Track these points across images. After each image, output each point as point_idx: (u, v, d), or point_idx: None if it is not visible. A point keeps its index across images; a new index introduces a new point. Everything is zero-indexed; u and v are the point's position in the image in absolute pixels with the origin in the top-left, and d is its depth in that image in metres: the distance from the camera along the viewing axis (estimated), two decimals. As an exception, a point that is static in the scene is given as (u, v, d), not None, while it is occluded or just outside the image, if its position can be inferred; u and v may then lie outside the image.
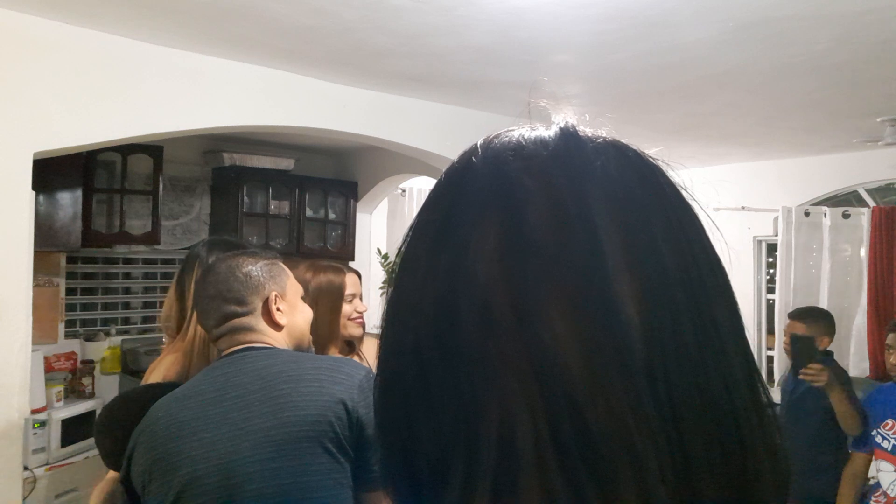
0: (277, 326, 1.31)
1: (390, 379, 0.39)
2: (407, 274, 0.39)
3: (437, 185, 0.41)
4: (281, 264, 1.38)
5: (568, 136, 0.39)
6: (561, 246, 0.34)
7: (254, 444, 1.13)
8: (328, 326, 1.92)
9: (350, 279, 2.02)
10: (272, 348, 1.27)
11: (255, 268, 1.32)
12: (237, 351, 1.26)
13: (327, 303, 1.93)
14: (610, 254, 0.34)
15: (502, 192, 0.37)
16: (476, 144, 0.40)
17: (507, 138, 0.40)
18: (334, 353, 2.00)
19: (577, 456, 0.31)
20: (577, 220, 0.35)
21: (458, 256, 0.36)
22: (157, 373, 1.64)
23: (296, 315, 1.36)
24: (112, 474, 1.57)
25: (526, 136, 0.39)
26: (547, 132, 0.39)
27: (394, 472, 0.38)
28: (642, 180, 0.38)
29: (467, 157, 0.40)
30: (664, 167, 0.40)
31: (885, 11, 2.10)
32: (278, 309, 1.31)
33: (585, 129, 0.40)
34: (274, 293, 1.31)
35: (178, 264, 4.57)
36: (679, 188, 0.39)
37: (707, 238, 0.38)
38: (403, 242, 0.41)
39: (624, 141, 0.40)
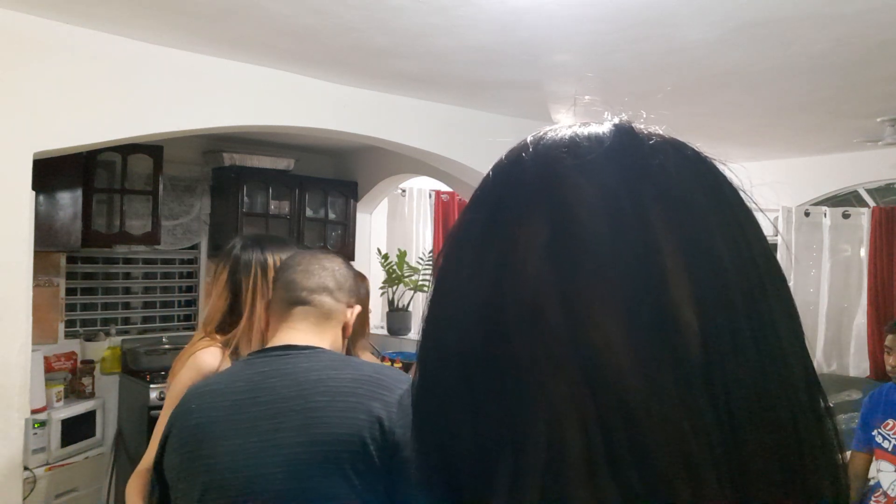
0: (344, 335, 1.32)
1: (431, 379, 0.38)
2: (450, 273, 0.38)
3: (483, 183, 0.40)
4: None
5: (624, 133, 0.38)
6: (616, 246, 0.33)
7: (282, 460, 1.09)
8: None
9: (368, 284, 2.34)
10: (315, 349, 1.22)
11: (356, 280, 1.39)
12: (278, 348, 1.23)
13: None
14: (667, 255, 0.33)
15: (553, 190, 0.35)
16: (526, 141, 0.39)
17: (558, 135, 0.39)
18: (362, 346, 2.20)
19: (630, 465, 0.30)
20: (633, 220, 0.33)
21: (505, 255, 0.35)
22: (193, 359, 1.63)
23: (344, 339, 1.37)
24: (143, 467, 1.59)
25: (580, 133, 0.38)
26: (601, 129, 0.38)
27: (430, 474, 0.37)
28: (701, 180, 0.36)
29: (517, 154, 0.39)
30: (722, 167, 0.39)
31: (885, 11, 2.10)
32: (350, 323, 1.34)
33: (641, 127, 0.39)
34: (359, 308, 1.35)
35: (179, 265, 4.57)
36: (738, 189, 0.38)
37: (766, 241, 0.37)
38: (447, 241, 0.39)
39: (682, 139, 0.39)
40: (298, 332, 1.24)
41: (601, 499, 0.31)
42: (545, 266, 0.34)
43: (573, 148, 0.37)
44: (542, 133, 0.39)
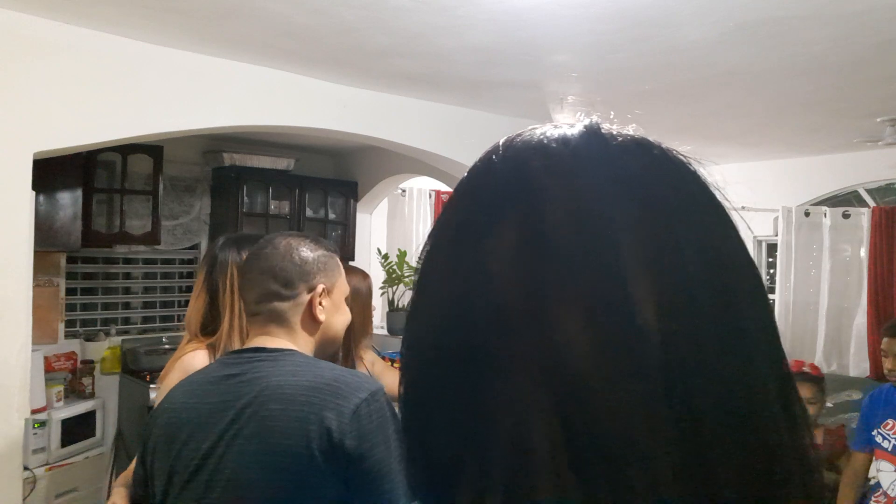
0: (315, 322, 1.26)
1: (411, 377, 0.39)
2: (427, 274, 0.39)
3: (459, 184, 0.41)
4: (337, 259, 1.33)
5: (591, 134, 0.38)
6: (577, 247, 0.33)
7: (236, 466, 1.09)
8: (362, 324, 2.13)
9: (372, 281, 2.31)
10: (284, 352, 1.21)
11: (312, 255, 1.27)
12: (250, 350, 1.23)
13: (360, 302, 2.11)
14: (628, 255, 0.33)
15: (521, 192, 0.36)
16: (498, 143, 0.40)
17: (529, 137, 0.39)
18: (365, 345, 2.19)
19: (591, 460, 0.31)
20: (596, 220, 0.34)
21: (474, 257, 0.36)
22: (180, 363, 1.63)
23: (335, 315, 1.30)
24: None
25: (549, 135, 0.38)
26: (570, 130, 0.38)
27: (414, 470, 0.38)
28: (667, 180, 0.37)
29: (489, 156, 0.40)
30: (694, 166, 0.39)
31: (884, 11, 2.10)
32: (321, 304, 1.26)
33: (610, 127, 0.39)
34: (322, 286, 1.26)
35: (179, 265, 4.57)
36: (710, 188, 0.38)
37: (738, 241, 0.37)
38: (425, 243, 0.40)
39: (651, 139, 0.39)
40: (268, 337, 1.24)
41: (564, 494, 0.31)
42: (511, 267, 0.34)
43: (542, 150, 0.37)
44: (513, 136, 0.40)
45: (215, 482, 1.10)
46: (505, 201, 0.36)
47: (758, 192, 4.85)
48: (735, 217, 0.38)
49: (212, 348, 1.65)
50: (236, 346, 1.60)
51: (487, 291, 0.34)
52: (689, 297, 0.33)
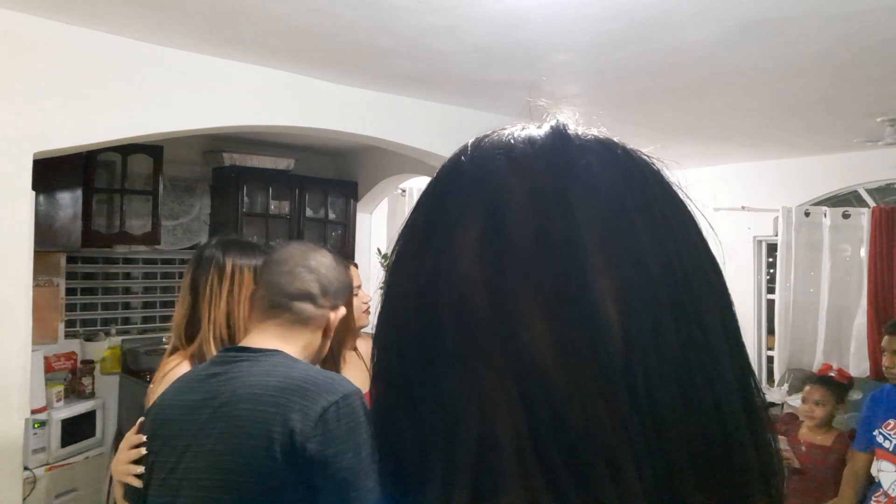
0: (324, 337, 1.26)
1: (379, 376, 0.39)
2: (396, 273, 0.40)
3: (428, 185, 0.41)
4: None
5: (556, 134, 0.39)
6: (540, 245, 0.34)
7: (204, 466, 1.09)
8: (344, 321, 2.08)
9: (354, 272, 2.12)
10: (268, 353, 1.19)
11: (344, 280, 1.30)
12: (235, 349, 1.23)
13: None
14: (590, 253, 0.34)
15: (486, 192, 0.37)
16: (467, 143, 0.41)
17: (497, 137, 0.40)
18: (351, 346, 2.11)
19: (556, 454, 0.31)
20: (558, 219, 0.34)
21: (440, 256, 0.36)
22: (164, 381, 1.62)
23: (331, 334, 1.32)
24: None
25: (516, 136, 0.39)
26: (537, 131, 0.39)
27: (384, 470, 0.39)
28: (628, 179, 0.37)
29: (457, 157, 0.40)
30: (658, 166, 0.39)
31: (885, 11, 2.10)
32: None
33: (576, 128, 0.40)
34: (343, 310, 1.29)
35: (179, 265, 4.57)
36: (671, 187, 0.39)
37: (699, 238, 0.38)
38: (396, 242, 0.41)
39: (615, 139, 0.40)
40: (265, 336, 1.21)
41: (531, 486, 0.31)
42: (475, 265, 0.35)
43: (508, 150, 0.38)
44: (482, 136, 0.41)
45: (186, 481, 1.10)
46: (470, 201, 0.37)
47: (758, 192, 4.86)
48: (698, 216, 0.39)
49: (194, 359, 1.62)
50: (216, 351, 1.58)
51: (452, 289, 0.35)
52: (649, 294, 0.34)
